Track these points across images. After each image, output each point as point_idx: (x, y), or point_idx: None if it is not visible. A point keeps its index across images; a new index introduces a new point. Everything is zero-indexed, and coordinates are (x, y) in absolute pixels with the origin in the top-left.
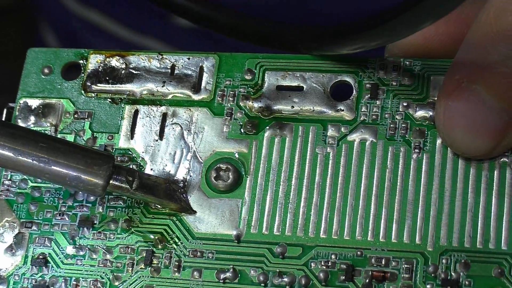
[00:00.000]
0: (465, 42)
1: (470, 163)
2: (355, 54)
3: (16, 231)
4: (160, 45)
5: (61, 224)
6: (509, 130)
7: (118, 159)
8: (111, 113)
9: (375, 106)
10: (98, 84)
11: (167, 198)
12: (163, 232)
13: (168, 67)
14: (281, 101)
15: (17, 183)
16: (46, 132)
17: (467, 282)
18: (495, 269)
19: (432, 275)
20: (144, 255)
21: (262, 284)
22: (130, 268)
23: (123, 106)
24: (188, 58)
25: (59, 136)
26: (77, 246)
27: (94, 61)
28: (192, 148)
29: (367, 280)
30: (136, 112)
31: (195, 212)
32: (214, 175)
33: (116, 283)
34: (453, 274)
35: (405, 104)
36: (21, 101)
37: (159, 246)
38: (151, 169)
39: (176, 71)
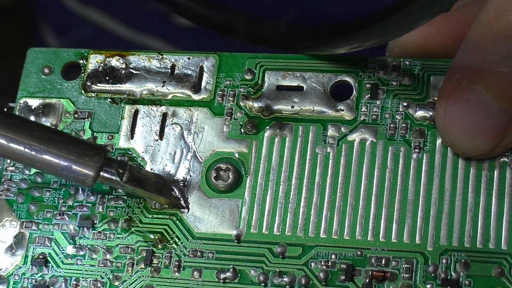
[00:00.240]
0: (465, 42)
1: (470, 163)
2: (355, 53)
3: (16, 231)
4: (161, 44)
5: (61, 224)
6: (509, 130)
7: (118, 159)
8: (111, 113)
9: (375, 106)
10: (98, 84)
11: (157, 192)
12: (163, 232)
13: (168, 67)
14: (281, 101)
15: (17, 183)
16: None
17: (467, 282)
18: (495, 269)
19: (432, 275)
20: (144, 255)
21: (262, 284)
22: (130, 268)
23: (123, 106)
24: (188, 58)
25: None
26: (77, 246)
27: (94, 61)
28: (192, 148)
29: (367, 280)
30: (136, 112)
31: (185, 207)
32: (214, 175)
33: (116, 283)
34: (453, 274)
35: (405, 104)
36: (21, 101)
37: (159, 246)
38: (151, 169)
39: (176, 71)
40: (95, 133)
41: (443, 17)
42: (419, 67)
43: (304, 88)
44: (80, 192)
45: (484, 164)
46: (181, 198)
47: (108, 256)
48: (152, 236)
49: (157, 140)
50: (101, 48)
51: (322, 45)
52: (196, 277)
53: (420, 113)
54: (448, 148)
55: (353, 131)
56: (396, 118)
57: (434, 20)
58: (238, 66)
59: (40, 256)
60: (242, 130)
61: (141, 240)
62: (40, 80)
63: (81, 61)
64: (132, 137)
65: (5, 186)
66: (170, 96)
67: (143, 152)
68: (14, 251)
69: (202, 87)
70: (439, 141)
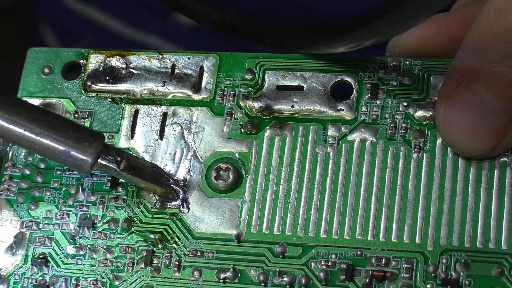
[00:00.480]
0: (465, 42)
1: (470, 162)
2: (355, 53)
3: (17, 230)
4: (161, 43)
5: (61, 224)
6: (509, 130)
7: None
8: (112, 112)
9: (375, 106)
10: (99, 84)
11: (153, 182)
12: (163, 231)
13: (169, 66)
14: (281, 100)
15: (17, 182)
16: None
17: (467, 282)
18: (495, 268)
19: (432, 274)
20: (144, 254)
21: (262, 284)
22: (130, 268)
23: (123, 105)
24: (188, 58)
25: None
26: (77, 245)
27: (95, 60)
28: (192, 147)
29: (367, 280)
30: (137, 112)
31: (179, 197)
32: (214, 174)
33: (116, 283)
34: (453, 273)
35: (405, 103)
36: None
37: (159, 246)
38: None
39: (176, 71)
40: None
41: (443, 17)
42: (419, 67)
43: (304, 88)
44: (81, 191)
45: (484, 164)
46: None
47: (108, 256)
48: (152, 236)
49: (157, 140)
50: (102, 48)
51: (318, 44)
52: (196, 277)
53: (420, 113)
54: (448, 148)
55: (353, 131)
56: (396, 118)
57: (434, 20)
58: (238, 66)
59: (40, 256)
60: (242, 130)
61: (141, 240)
62: (40, 80)
63: (82, 61)
64: (132, 137)
65: (5, 185)
66: (170, 96)
67: (143, 152)
68: (14, 250)
69: (202, 87)
70: (439, 141)
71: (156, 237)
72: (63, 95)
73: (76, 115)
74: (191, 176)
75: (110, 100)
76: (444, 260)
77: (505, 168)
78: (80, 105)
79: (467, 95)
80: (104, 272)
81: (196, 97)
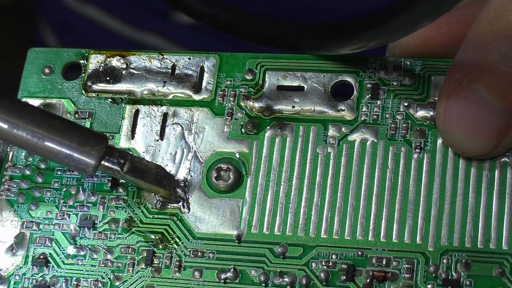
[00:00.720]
0: (466, 42)
1: (471, 163)
2: (355, 54)
3: (17, 231)
4: (162, 43)
5: (62, 224)
6: (510, 130)
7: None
8: (112, 113)
9: (376, 106)
10: (99, 84)
11: (156, 184)
12: (163, 232)
13: (169, 67)
14: (281, 101)
15: (17, 183)
16: None
17: (467, 282)
18: (496, 269)
19: (433, 275)
20: (145, 255)
21: (263, 284)
22: (131, 268)
23: (123, 106)
24: (189, 58)
25: None
26: (77, 246)
27: (95, 61)
28: (192, 148)
29: (368, 280)
30: (137, 112)
31: (182, 199)
32: (215, 175)
33: (117, 283)
34: (454, 274)
35: (406, 104)
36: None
37: (160, 246)
38: None
39: (176, 71)
40: None
41: (443, 17)
42: (420, 67)
43: (305, 88)
44: (81, 192)
45: (484, 164)
46: (180, 191)
47: (109, 256)
48: (153, 236)
49: (157, 140)
50: (102, 48)
51: (326, 46)
52: (197, 277)
53: (421, 113)
54: (449, 148)
55: (354, 131)
56: (397, 118)
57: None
58: (239, 66)
59: (41, 256)
60: (242, 130)
61: (142, 240)
62: (40, 80)
63: (82, 61)
64: (132, 137)
65: (6, 186)
66: (170, 96)
67: (143, 152)
68: (14, 251)
69: (202, 87)
70: (440, 141)
71: (157, 237)
72: (64, 95)
73: (76, 116)
74: (191, 176)
75: (111, 100)
76: (444, 261)
77: (505, 168)
78: (81, 105)
79: (467, 95)
80: (104, 272)
81: (196, 97)
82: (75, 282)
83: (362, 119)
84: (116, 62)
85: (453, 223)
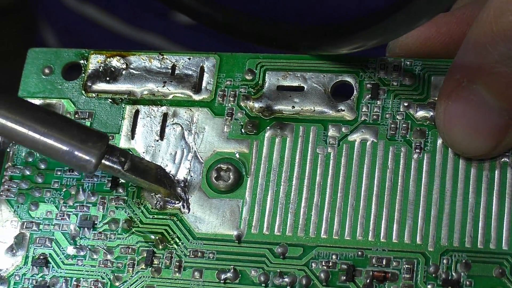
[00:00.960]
0: (465, 42)
1: (471, 163)
2: (355, 54)
3: (17, 231)
4: (162, 42)
5: (61, 224)
6: (509, 130)
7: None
8: (112, 113)
9: (376, 106)
10: (99, 84)
11: (157, 183)
12: (163, 232)
13: (169, 67)
14: (281, 101)
15: (17, 183)
16: None
17: (468, 282)
18: (496, 269)
19: (433, 275)
20: (145, 255)
21: (263, 284)
22: (131, 269)
23: (123, 106)
24: (189, 58)
25: None
26: (77, 246)
27: (95, 61)
28: (192, 148)
29: (368, 280)
30: (137, 112)
31: (182, 199)
32: (215, 175)
33: (117, 284)
34: (454, 274)
35: (405, 104)
36: None
37: (160, 247)
38: None
39: (176, 71)
40: None
41: (443, 17)
42: (419, 67)
43: (305, 88)
44: (81, 192)
45: (484, 165)
46: (180, 189)
47: (108, 257)
48: (152, 237)
49: (157, 141)
50: (102, 48)
51: (325, 45)
52: (197, 277)
53: (420, 113)
54: (449, 148)
55: (354, 131)
56: (397, 118)
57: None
58: (239, 66)
59: (41, 257)
60: (242, 130)
61: (142, 240)
62: (40, 80)
63: (82, 61)
64: (132, 137)
65: (6, 186)
66: (170, 96)
67: (143, 153)
68: (14, 251)
69: (202, 87)
70: (440, 141)
71: (157, 237)
72: (64, 95)
73: (76, 116)
74: (191, 176)
75: (111, 100)
76: (445, 261)
77: (505, 169)
78: (81, 105)
79: (467, 95)
80: (104, 272)
81: (196, 97)
82: (75, 283)
83: (362, 119)
84: (116, 62)
85: (453, 223)
